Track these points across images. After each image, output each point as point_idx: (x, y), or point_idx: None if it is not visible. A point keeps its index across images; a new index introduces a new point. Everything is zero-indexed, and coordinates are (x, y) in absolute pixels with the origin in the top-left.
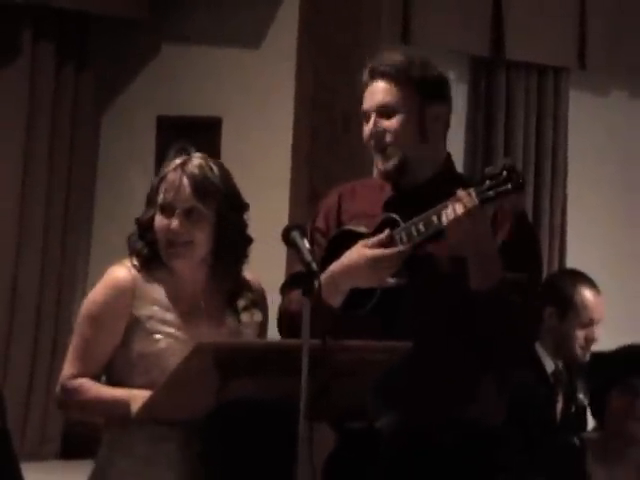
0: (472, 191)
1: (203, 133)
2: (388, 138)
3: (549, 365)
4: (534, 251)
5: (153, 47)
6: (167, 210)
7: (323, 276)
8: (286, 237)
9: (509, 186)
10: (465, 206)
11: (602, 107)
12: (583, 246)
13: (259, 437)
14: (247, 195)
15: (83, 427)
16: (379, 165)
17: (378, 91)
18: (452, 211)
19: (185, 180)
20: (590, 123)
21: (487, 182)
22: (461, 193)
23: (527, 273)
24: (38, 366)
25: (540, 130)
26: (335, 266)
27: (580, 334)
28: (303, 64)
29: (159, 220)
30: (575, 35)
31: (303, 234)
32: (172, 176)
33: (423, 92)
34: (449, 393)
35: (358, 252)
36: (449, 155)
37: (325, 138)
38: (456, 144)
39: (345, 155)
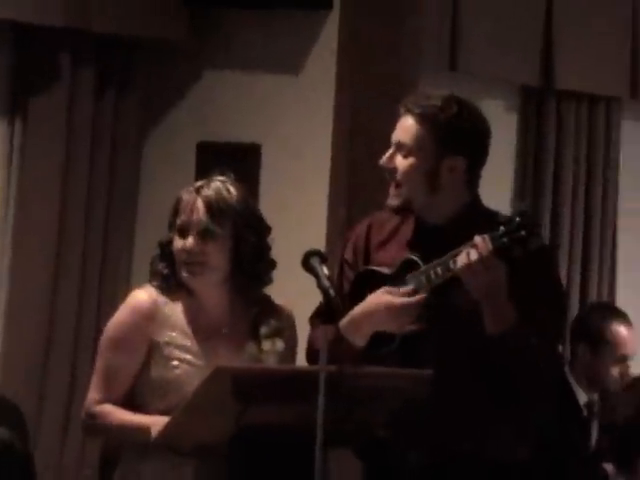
0: (486, 237)
1: (243, 159)
2: (398, 177)
3: (583, 398)
4: (554, 288)
5: (194, 73)
6: (183, 231)
7: (346, 318)
8: (305, 263)
9: (523, 233)
10: (479, 253)
11: None
12: (634, 278)
13: (279, 464)
14: (285, 221)
15: (121, 451)
16: (388, 198)
17: (402, 127)
18: (465, 256)
19: (199, 201)
20: None
21: (501, 228)
22: (477, 239)
23: (546, 314)
24: (76, 390)
25: (591, 160)
26: (357, 310)
27: (614, 370)
28: (342, 92)
29: (176, 241)
30: (627, 64)
31: (323, 260)
32: (186, 198)
33: (444, 142)
34: (469, 430)
35: (378, 298)
36: (476, 197)
37: (363, 167)
38: (506, 174)
39: (383, 185)
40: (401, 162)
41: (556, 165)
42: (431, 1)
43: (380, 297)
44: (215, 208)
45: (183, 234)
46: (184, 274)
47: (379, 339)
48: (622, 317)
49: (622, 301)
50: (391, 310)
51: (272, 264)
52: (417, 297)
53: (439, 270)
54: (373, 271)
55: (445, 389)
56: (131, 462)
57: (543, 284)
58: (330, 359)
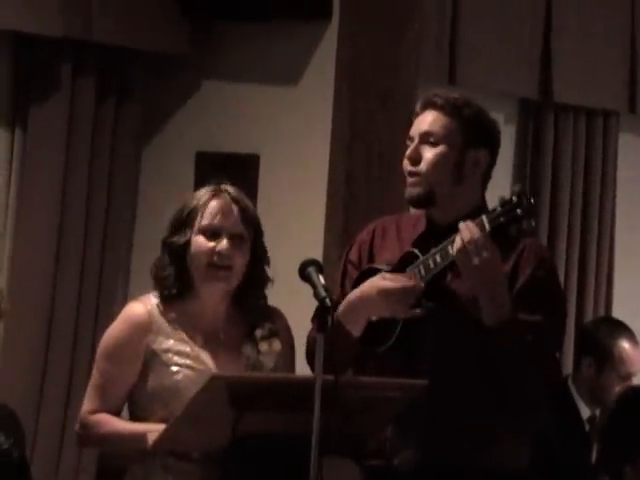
0: (483, 218)
1: (241, 170)
2: (422, 166)
3: (585, 411)
4: (554, 294)
5: (193, 83)
6: (213, 233)
7: (342, 304)
8: (302, 272)
9: (518, 211)
10: (470, 234)
11: None
12: (630, 294)
13: (275, 472)
14: (283, 231)
15: (117, 459)
16: (406, 188)
17: (427, 119)
18: (460, 240)
19: (234, 206)
20: None
21: (498, 208)
22: (470, 222)
23: (544, 315)
24: (73, 396)
25: (588, 174)
26: (352, 294)
27: (618, 387)
28: (340, 103)
29: (201, 242)
30: (625, 78)
31: (319, 270)
32: (219, 201)
33: (471, 133)
34: (465, 434)
35: (373, 283)
36: (484, 200)
37: (361, 179)
38: (503, 187)
39: (381, 196)
40: (429, 151)
41: (554, 178)
42: (430, 13)
43: (375, 282)
44: (248, 215)
45: (213, 236)
46: (208, 277)
47: (376, 336)
48: (630, 335)
49: (618, 313)
50: (382, 294)
51: (269, 278)
52: (411, 282)
53: (438, 258)
54: (375, 269)
55: (444, 390)
56: (137, 468)
57: (542, 290)
58: (327, 352)
